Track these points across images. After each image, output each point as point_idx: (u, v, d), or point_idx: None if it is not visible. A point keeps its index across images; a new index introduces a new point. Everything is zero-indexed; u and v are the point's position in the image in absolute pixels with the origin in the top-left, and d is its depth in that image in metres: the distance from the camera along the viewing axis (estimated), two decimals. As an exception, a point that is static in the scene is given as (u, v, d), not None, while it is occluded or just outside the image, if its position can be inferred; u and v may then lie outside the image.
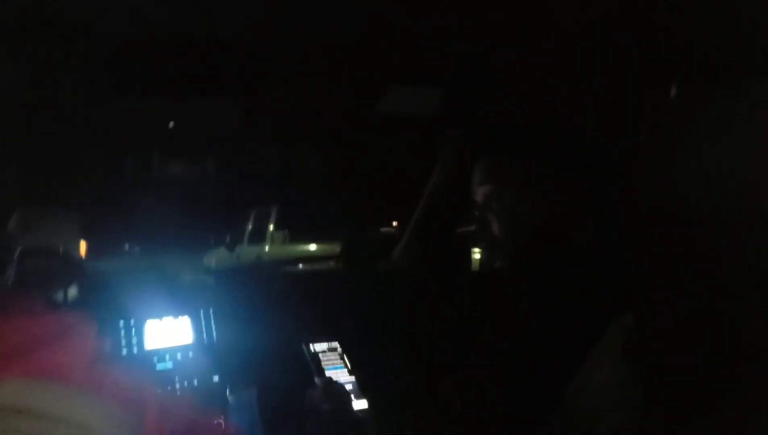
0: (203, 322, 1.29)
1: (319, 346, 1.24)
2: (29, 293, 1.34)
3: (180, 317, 1.27)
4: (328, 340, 1.26)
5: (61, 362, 0.51)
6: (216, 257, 7.15)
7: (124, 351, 1.23)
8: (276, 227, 6.91)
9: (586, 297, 0.89)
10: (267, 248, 6.83)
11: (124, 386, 0.54)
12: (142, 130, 1.28)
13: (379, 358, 1.28)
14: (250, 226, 7.26)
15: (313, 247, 6.41)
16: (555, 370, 0.89)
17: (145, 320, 1.24)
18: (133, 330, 1.23)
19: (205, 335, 1.29)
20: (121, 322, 1.22)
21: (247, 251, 7.08)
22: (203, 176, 1.69)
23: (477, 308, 1.38)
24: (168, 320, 1.26)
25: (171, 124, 1.24)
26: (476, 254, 2.21)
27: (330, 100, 1.27)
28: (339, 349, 1.27)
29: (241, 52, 0.99)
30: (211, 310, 1.29)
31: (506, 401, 0.92)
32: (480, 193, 1.07)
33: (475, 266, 2.05)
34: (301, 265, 1.99)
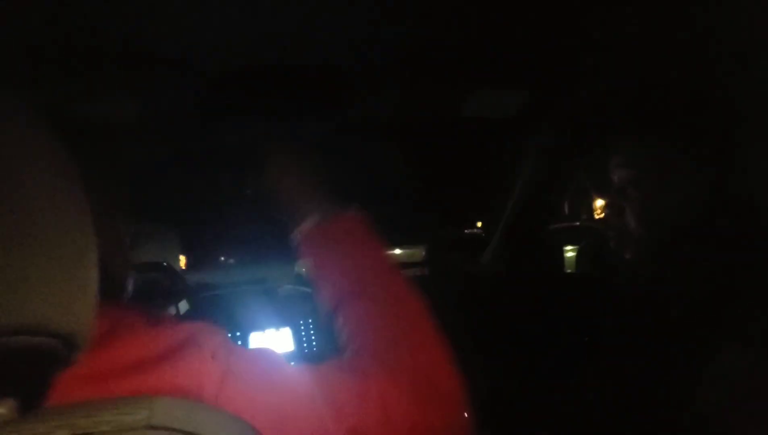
0: (303, 333, 1.33)
1: None
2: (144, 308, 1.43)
3: (281, 329, 1.32)
4: None
5: (195, 373, 0.52)
6: (305, 265, 7.33)
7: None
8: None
9: (726, 295, 0.83)
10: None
11: (244, 396, 0.56)
12: (236, 149, 1.34)
13: (473, 367, 1.26)
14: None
15: (397, 251, 6.47)
16: (685, 368, 0.83)
17: (249, 333, 1.30)
18: (239, 342, 1.28)
19: (305, 344, 1.33)
20: (228, 336, 1.28)
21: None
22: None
23: (582, 308, 1.33)
24: (270, 332, 1.31)
25: (264, 144, 1.29)
26: (569, 253, 2.14)
27: (412, 105, 1.27)
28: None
29: (328, 70, 1.02)
30: (310, 321, 1.33)
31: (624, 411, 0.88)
32: (617, 175, 1.03)
33: (569, 265, 1.98)
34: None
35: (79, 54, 0.83)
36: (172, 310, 1.38)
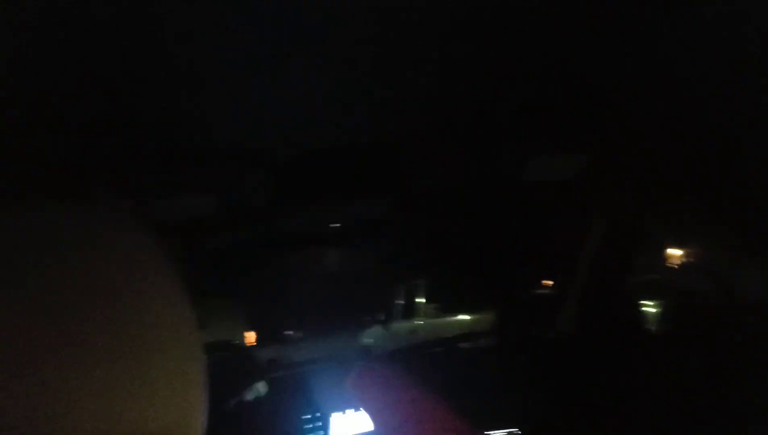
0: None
1: (499, 433, 1.19)
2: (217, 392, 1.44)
3: (360, 409, 1.30)
4: (508, 425, 1.20)
5: None
6: (373, 335, 7.31)
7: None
8: (427, 300, 6.96)
9: None
10: (420, 322, 6.86)
11: None
12: (300, 230, 1.38)
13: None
14: (401, 302, 7.38)
15: (466, 317, 6.34)
16: None
17: (329, 414, 1.28)
18: (320, 423, 1.27)
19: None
20: (309, 416, 1.27)
21: (401, 327, 7.17)
22: (356, 263, 1.78)
23: (666, 369, 1.26)
24: (350, 413, 1.29)
25: (333, 225, 1.33)
26: (650, 308, 2.04)
27: (472, 173, 1.28)
28: (519, 433, 1.21)
29: (387, 146, 1.05)
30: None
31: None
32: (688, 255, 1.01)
33: (651, 321, 1.88)
34: (461, 342, 1.96)
35: (160, 154, 0.89)
36: (251, 394, 1.38)
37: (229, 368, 1.94)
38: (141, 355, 0.37)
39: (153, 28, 0.61)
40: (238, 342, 3.04)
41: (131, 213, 0.47)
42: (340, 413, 1.29)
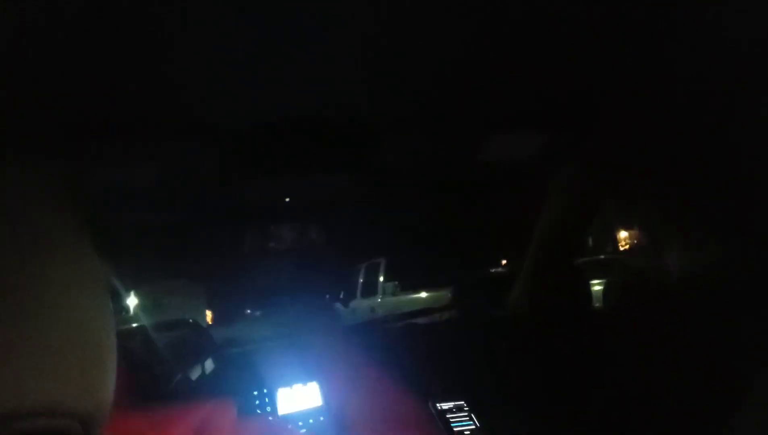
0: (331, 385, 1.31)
1: (446, 405, 1.21)
2: (168, 368, 1.43)
3: (309, 384, 1.31)
4: (455, 398, 1.23)
5: None
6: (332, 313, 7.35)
7: (260, 419, 1.27)
8: (386, 279, 7.01)
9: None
10: (379, 300, 6.92)
11: None
12: (258, 205, 1.36)
13: (510, 413, 1.23)
14: (361, 280, 7.42)
15: (423, 294, 6.42)
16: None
17: (276, 389, 1.28)
18: (267, 400, 1.27)
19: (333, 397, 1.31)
20: (255, 392, 1.27)
21: (361, 305, 7.21)
22: (315, 240, 1.77)
23: (611, 346, 1.30)
24: (298, 387, 1.30)
25: (287, 199, 1.31)
26: (596, 286, 2.10)
27: (432, 152, 1.28)
28: (466, 407, 1.23)
29: (347, 122, 1.04)
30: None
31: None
32: (648, 213, 1.05)
33: (596, 299, 1.94)
34: (418, 319, 1.99)
35: (98, 121, 0.86)
36: (198, 370, 1.37)
37: (185, 346, 1.92)
38: (44, 327, 0.36)
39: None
40: (193, 320, 3.00)
41: (55, 182, 0.45)
42: (288, 388, 1.29)
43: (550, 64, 0.92)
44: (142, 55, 0.73)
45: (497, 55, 0.87)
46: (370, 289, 7.10)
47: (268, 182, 1.18)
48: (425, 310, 2.04)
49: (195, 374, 1.34)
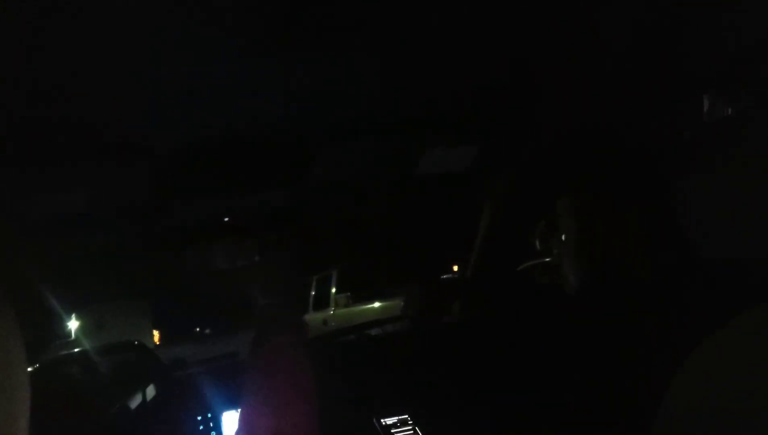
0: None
1: (390, 420, 1.21)
2: (107, 396, 1.38)
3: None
4: (399, 412, 1.23)
5: None
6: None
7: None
8: (338, 290, 6.97)
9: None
10: (332, 312, 6.87)
11: None
12: (201, 225, 1.34)
13: (455, 423, 1.24)
14: (313, 292, 7.35)
15: (376, 304, 6.42)
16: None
17: (221, 413, 1.25)
18: (211, 424, 1.24)
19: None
20: (199, 417, 1.23)
21: (313, 318, 7.14)
22: (261, 256, 1.74)
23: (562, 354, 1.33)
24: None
25: (226, 219, 1.29)
26: (545, 289, 2.15)
27: (370, 167, 1.29)
28: (410, 421, 1.23)
29: (283, 142, 1.03)
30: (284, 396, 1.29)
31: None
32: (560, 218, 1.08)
33: (546, 302, 1.99)
34: (370, 330, 1.98)
35: (25, 147, 0.83)
36: (138, 398, 1.32)
37: (128, 370, 1.85)
38: None
39: (33, 17, 0.56)
40: (138, 342, 2.89)
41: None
42: (234, 411, 1.26)
43: (478, 75, 0.94)
44: (71, 77, 0.70)
45: (430, 67, 0.89)
46: (322, 301, 7.04)
47: (207, 202, 1.16)
48: (376, 321, 2.03)
49: (135, 402, 1.29)
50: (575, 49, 0.91)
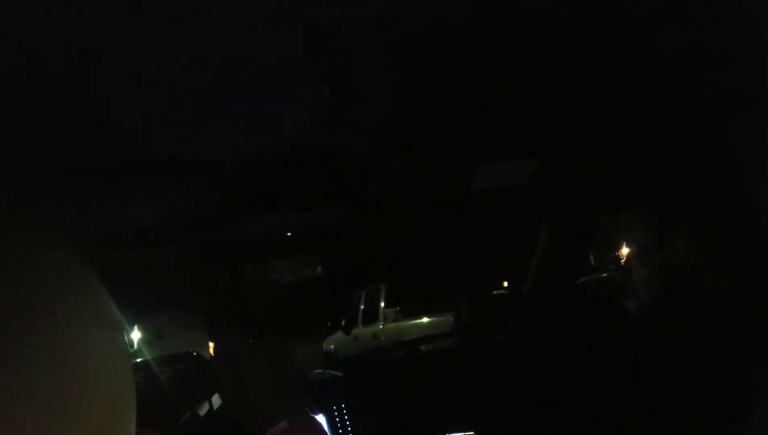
0: (338, 418, 1.31)
1: None
2: (174, 403, 1.42)
3: (317, 416, 1.30)
4: (463, 429, 1.22)
5: None
6: (335, 341, 7.31)
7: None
8: (387, 305, 6.96)
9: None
10: (381, 326, 6.86)
11: None
12: (258, 240, 1.38)
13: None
14: (362, 307, 7.37)
15: (425, 320, 6.37)
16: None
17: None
18: (275, 434, 1.26)
19: (341, 431, 1.30)
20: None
21: (362, 332, 7.16)
22: (315, 270, 1.78)
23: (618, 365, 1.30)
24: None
25: (288, 234, 1.33)
26: (601, 305, 2.10)
27: (424, 184, 1.30)
28: (475, 437, 1.23)
29: (338, 158, 1.06)
30: (343, 406, 1.31)
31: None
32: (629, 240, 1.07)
33: (602, 318, 1.94)
34: (421, 345, 1.98)
35: (99, 164, 0.88)
36: (205, 406, 1.36)
37: (189, 380, 1.91)
38: (60, 372, 0.36)
39: (102, 34, 0.60)
40: (196, 353, 2.98)
41: (65, 224, 0.46)
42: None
43: (537, 90, 0.94)
44: (140, 96, 0.75)
45: (484, 85, 0.90)
46: (371, 315, 7.05)
47: (266, 217, 1.20)
48: (428, 336, 2.04)
49: (203, 410, 1.34)
50: (636, 56, 0.90)
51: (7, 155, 0.78)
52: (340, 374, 1.64)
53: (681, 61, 0.91)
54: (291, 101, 0.85)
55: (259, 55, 0.70)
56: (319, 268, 1.79)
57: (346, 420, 1.31)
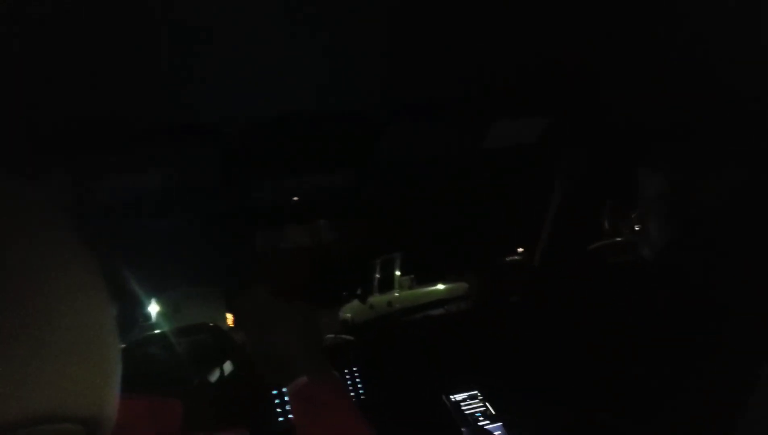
0: (350, 382, 1.32)
1: (459, 396, 1.21)
2: (189, 371, 1.45)
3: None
4: (468, 388, 1.23)
5: None
6: (351, 310, 7.40)
7: (281, 418, 1.28)
8: (402, 272, 7.01)
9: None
10: (396, 294, 6.93)
11: None
12: (267, 205, 1.37)
13: (524, 398, 1.23)
14: (377, 275, 7.43)
15: (440, 286, 6.41)
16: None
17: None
18: (285, 398, 1.28)
19: (353, 394, 1.31)
20: (275, 392, 1.28)
21: (378, 300, 7.23)
22: (327, 237, 1.77)
23: (630, 327, 1.29)
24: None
25: (294, 198, 1.32)
26: (615, 269, 2.08)
27: (434, 144, 1.28)
28: (480, 396, 1.23)
29: (351, 118, 1.04)
30: (355, 369, 1.32)
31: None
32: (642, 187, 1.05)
33: (615, 282, 1.93)
34: (435, 310, 1.98)
35: (98, 130, 0.87)
36: (216, 373, 1.38)
37: (204, 349, 1.94)
38: (43, 332, 0.36)
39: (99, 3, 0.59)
40: (213, 324, 3.02)
41: (60, 194, 0.45)
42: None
43: (550, 46, 0.91)
44: (139, 58, 0.73)
45: (495, 40, 0.87)
46: (387, 284, 7.10)
47: (275, 182, 1.18)
48: (441, 300, 2.04)
49: (214, 377, 1.36)
50: (652, 17, 0.87)
51: (12, 116, 0.77)
52: (351, 338, 1.65)
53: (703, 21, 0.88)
54: (299, 59, 0.82)
55: (266, 8, 0.68)
56: (333, 235, 1.78)
57: (359, 384, 1.33)
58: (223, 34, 0.72)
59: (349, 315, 7.76)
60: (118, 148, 0.91)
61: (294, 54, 0.81)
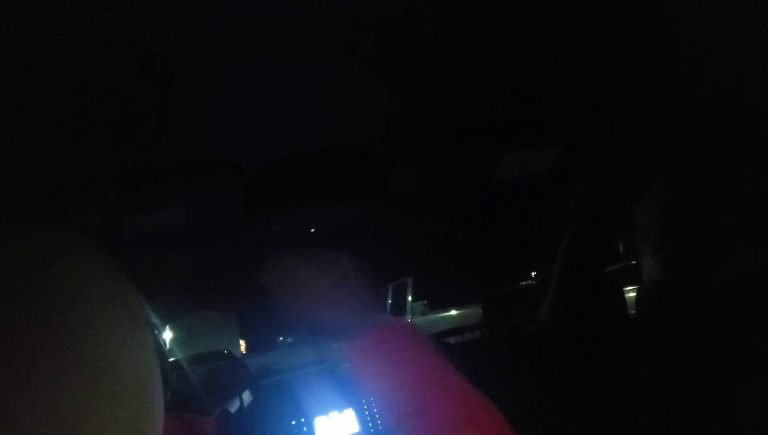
0: (367, 412, 1.32)
1: None
2: (201, 401, 1.45)
3: (345, 411, 1.31)
4: None
5: None
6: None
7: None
8: (414, 298, 6.96)
9: None
10: (409, 319, 6.89)
11: None
12: (284, 238, 1.39)
13: (540, 426, 1.21)
14: (389, 301, 7.38)
15: (453, 312, 6.36)
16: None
17: (313, 418, 1.29)
18: (305, 429, 1.28)
19: (371, 425, 1.31)
20: (294, 422, 1.28)
21: (390, 325, 7.17)
22: (342, 265, 1.79)
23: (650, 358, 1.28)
24: (334, 415, 1.30)
25: (312, 230, 1.34)
26: (630, 293, 2.07)
27: (447, 175, 1.29)
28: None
29: (364, 154, 1.06)
30: (372, 399, 1.32)
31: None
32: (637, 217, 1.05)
33: (630, 306, 1.91)
34: (449, 338, 1.97)
35: (121, 169, 0.89)
36: (236, 402, 1.39)
37: (221, 377, 1.94)
38: (92, 370, 0.37)
39: (120, 34, 0.61)
40: (227, 351, 3.02)
41: (91, 229, 0.47)
42: (324, 416, 1.30)
43: (558, 76, 0.93)
44: (161, 100, 0.75)
45: (503, 72, 0.89)
46: (399, 309, 7.05)
47: (293, 214, 1.21)
48: (456, 329, 2.02)
49: (234, 407, 1.36)
50: (657, 42, 0.89)
51: (36, 162, 0.80)
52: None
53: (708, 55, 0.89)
54: (313, 98, 0.85)
55: (281, 51, 0.70)
56: (346, 264, 1.79)
57: (376, 414, 1.32)
58: (241, 77, 0.74)
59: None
60: (141, 188, 0.93)
61: (309, 95, 0.84)
